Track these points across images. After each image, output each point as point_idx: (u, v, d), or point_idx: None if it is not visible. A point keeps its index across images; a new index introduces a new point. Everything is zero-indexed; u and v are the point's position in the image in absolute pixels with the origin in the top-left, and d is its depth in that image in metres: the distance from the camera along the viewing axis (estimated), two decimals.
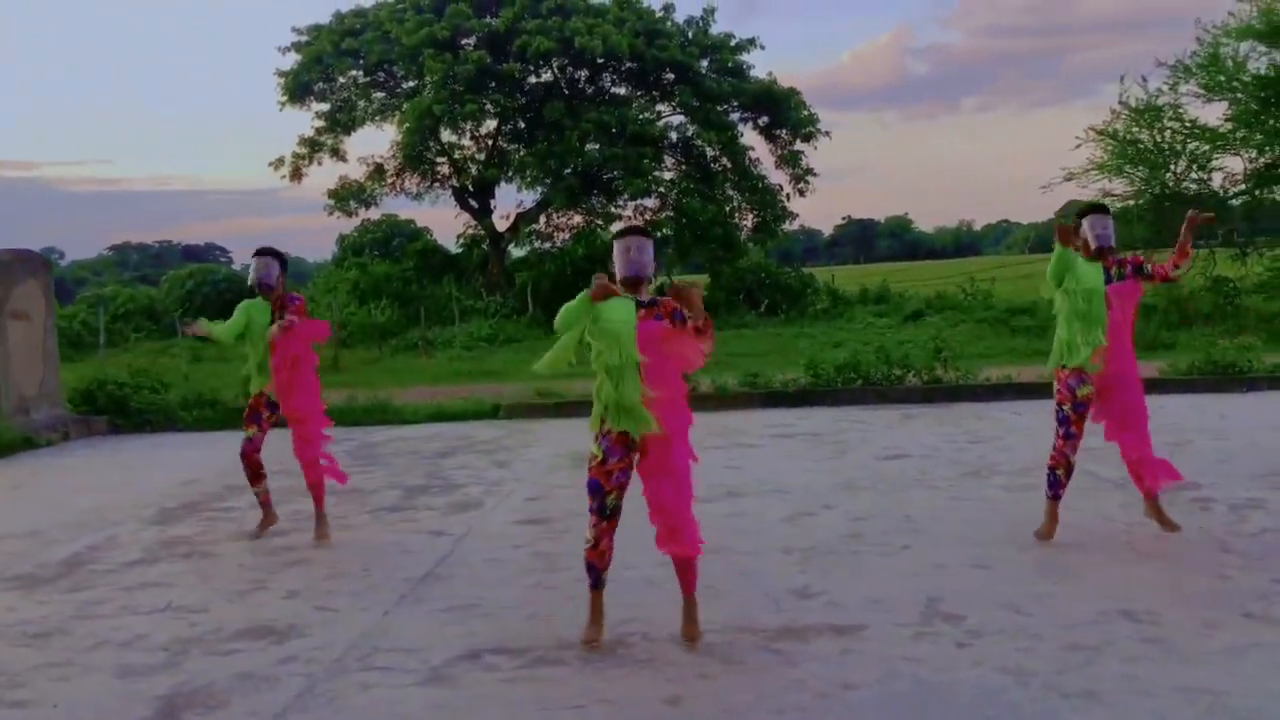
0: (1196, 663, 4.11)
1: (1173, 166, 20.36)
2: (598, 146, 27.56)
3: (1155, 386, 11.89)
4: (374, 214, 31.91)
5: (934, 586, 5.26)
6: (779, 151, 29.58)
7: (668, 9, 29.14)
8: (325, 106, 30.01)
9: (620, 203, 29.68)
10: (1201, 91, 19.72)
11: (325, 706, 4.11)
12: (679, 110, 29.25)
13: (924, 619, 4.80)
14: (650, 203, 29.71)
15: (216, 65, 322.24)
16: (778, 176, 29.93)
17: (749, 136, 29.77)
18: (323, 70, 29.16)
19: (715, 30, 29.23)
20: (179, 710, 4.13)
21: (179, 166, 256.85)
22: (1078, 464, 6.43)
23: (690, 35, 28.82)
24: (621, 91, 29.56)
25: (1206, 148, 20.10)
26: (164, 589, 5.84)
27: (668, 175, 29.60)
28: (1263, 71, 19.20)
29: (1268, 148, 19.73)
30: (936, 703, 3.87)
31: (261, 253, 6.82)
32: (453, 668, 4.44)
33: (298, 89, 29.36)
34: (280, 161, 30.02)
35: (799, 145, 29.43)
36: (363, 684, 4.32)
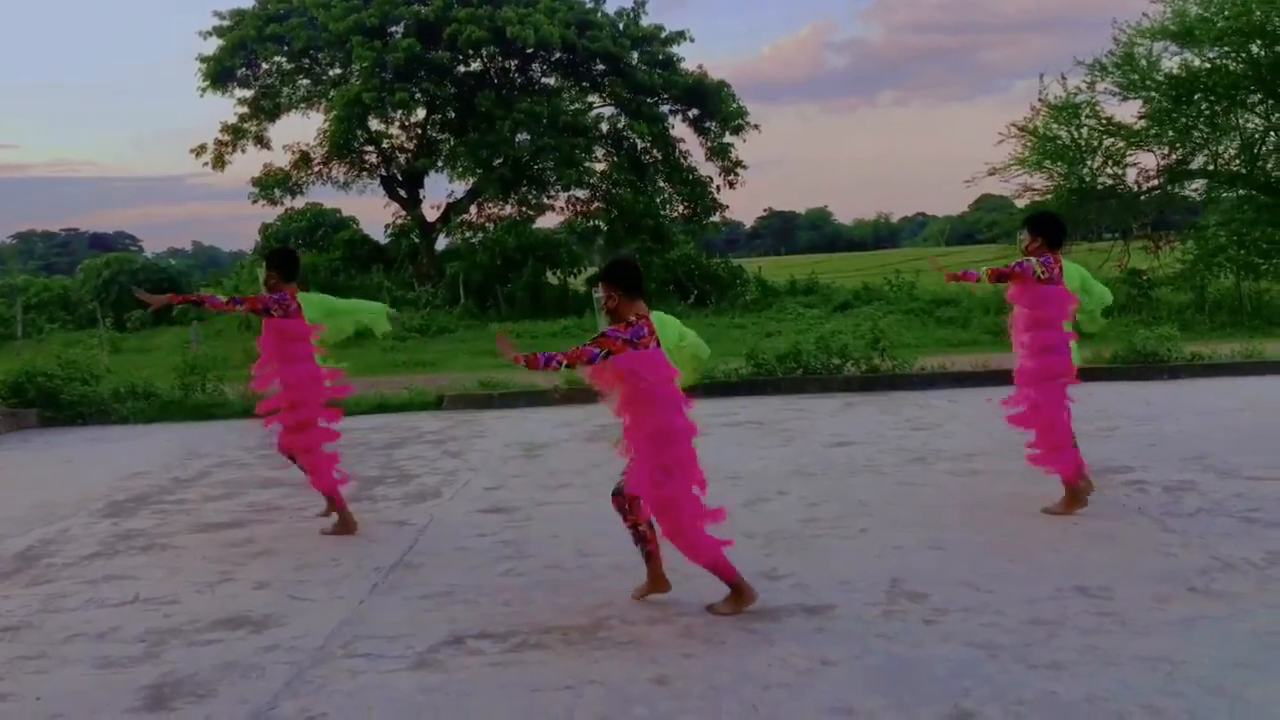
0: (1152, 634, 4.36)
1: (1089, 162, 20.98)
2: (529, 137, 27.49)
3: (1082, 375, 12.36)
4: (298, 203, 31.44)
5: (895, 567, 5.47)
6: (709, 144, 29.83)
7: (598, 1, 29.17)
8: (248, 93, 29.46)
9: (552, 193, 29.72)
10: (1117, 90, 20.34)
11: (316, 693, 4.15)
12: (610, 101, 29.33)
13: (890, 598, 5.00)
14: (582, 194, 29.78)
15: (126, 48, 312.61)
16: (707, 168, 30.22)
17: (679, 128, 30.03)
18: (246, 56, 28.61)
19: (645, 22, 29.35)
20: (168, 699, 4.14)
21: (85, 152, 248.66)
22: (1019, 451, 6.80)
23: (621, 27, 28.89)
24: (552, 82, 29.53)
25: (1121, 144, 20.74)
26: (129, 581, 5.79)
27: (599, 166, 29.66)
28: (1175, 71, 19.90)
29: (1179, 145, 20.46)
30: (914, 676, 4.06)
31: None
32: (438, 653, 4.51)
33: (220, 74, 28.77)
34: (202, 148, 29.41)
35: (728, 138, 29.73)
36: (350, 670, 4.37)
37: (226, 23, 28.95)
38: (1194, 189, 21.48)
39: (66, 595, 5.58)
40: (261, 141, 29.64)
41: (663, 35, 29.30)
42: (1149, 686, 3.85)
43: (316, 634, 4.80)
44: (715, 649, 4.43)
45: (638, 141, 29.21)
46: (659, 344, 4.87)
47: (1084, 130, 20.73)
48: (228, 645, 4.71)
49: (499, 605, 5.13)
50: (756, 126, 29.71)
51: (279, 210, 30.99)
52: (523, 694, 4.06)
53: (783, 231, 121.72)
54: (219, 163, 29.42)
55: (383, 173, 29.84)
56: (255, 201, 29.27)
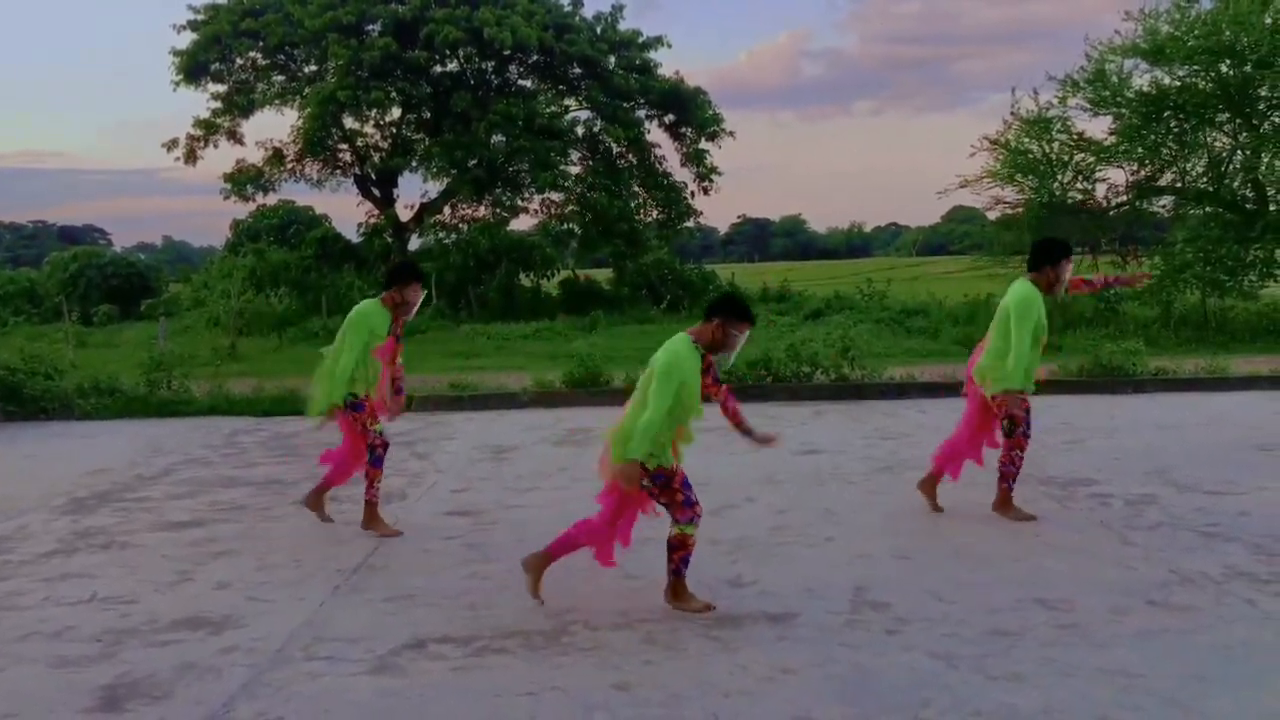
0: (1110, 646, 4.40)
1: (1060, 176, 21.16)
2: (504, 139, 27.38)
3: (1048, 388, 12.46)
4: (270, 200, 31.19)
5: (860, 576, 5.49)
6: (684, 149, 29.84)
7: (576, 4, 29.13)
8: (222, 88, 29.16)
9: (526, 195, 29.62)
10: (1088, 105, 20.54)
11: (273, 696, 4.11)
12: (586, 105, 29.27)
13: (853, 607, 5.01)
14: (556, 196, 29.69)
15: (95, 39, 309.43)
16: (682, 174, 30.22)
17: (655, 133, 29.99)
18: (220, 50, 28.33)
19: (623, 27, 29.34)
20: (122, 700, 4.09)
21: (55, 143, 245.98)
22: (986, 463, 6.87)
23: (599, 31, 28.84)
24: (529, 84, 29.41)
25: (1091, 159, 20.94)
26: (87, 580, 5.72)
27: (574, 170, 29.59)
28: (1145, 88, 20.13)
29: (1148, 161, 20.69)
30: (874, 685, 4.07)
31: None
32: (399, 657, 4.48)
33: (193, 69, 28.47)
34: (174, 143, 29.10)
35: (704, 144, 29.73)
36: (309, 673, 4.33)
37: (201, 17, 28.68)
38: (1162, 205, 21.73)
39: (23, 593, 5.50)
40: (234, 137, 29.36)
41: (640, 40, 29.27)
42: (1106, 699, 3.88)
43: (276, 636, 4.75)
44: (677, 656, 4.43)
45: (613, 146, 29.16)
46: None
47: (1055, 145, 20.93)
48: (186, 646, 4.66)
49: (462, 609, 5.10)
50: (732, 133, 29.76)
51: (251, 206, 30.76)
52: (483, 699, 4.04)
53: (757, 238, 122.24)
54: (191, 158, 29.10)
55: (356, 171, 29.65)
56: (227, 197, 28.97)
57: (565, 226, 30.29)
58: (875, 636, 4.60)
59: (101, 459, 9.45)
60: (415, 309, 6.79)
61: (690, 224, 31.22)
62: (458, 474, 8.48)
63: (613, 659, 4.41)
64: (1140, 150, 20.28)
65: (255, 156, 29.46)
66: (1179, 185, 20.78)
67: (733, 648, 4.51)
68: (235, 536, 6.64)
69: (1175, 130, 20.10)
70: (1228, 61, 19.01)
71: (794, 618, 4.86)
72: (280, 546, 6.36)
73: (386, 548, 6.28)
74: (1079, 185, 21.30)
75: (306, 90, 27.99)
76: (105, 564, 6.05)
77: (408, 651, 4.54)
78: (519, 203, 29.99)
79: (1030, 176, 21.09)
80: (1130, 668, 4.15)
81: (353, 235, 31.20)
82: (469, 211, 30.06)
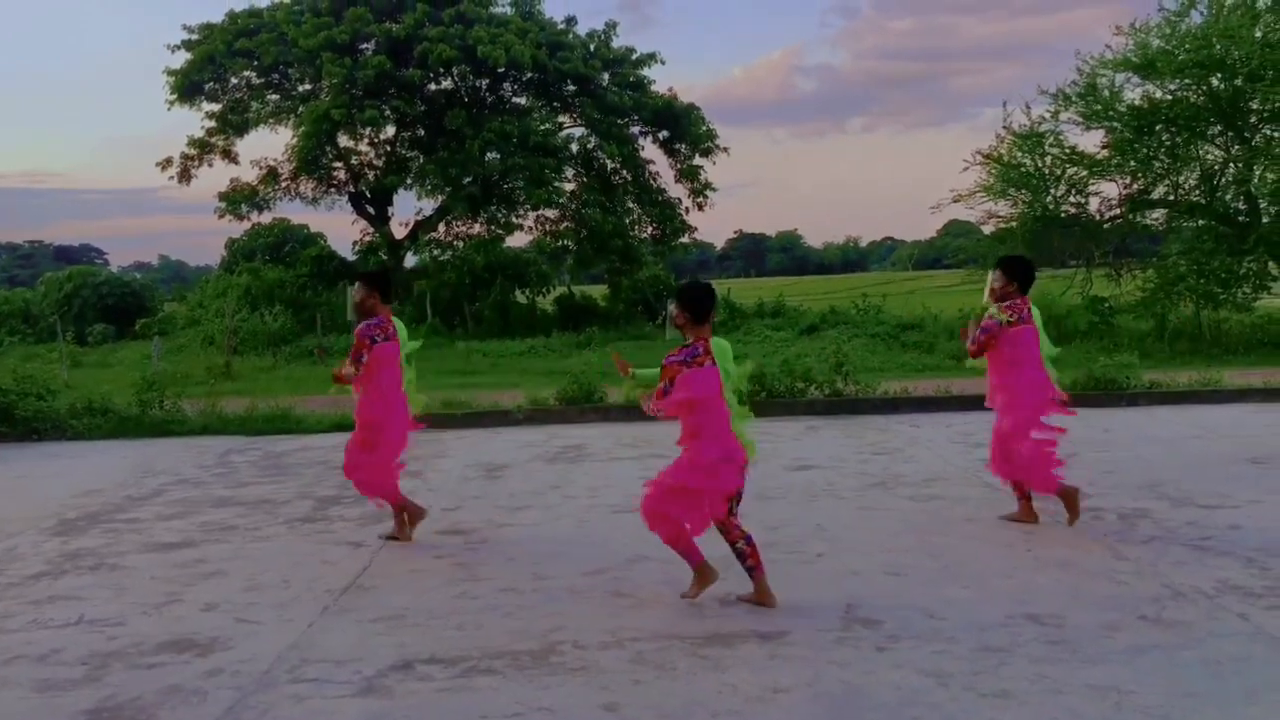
0: (1101, 663, 4.37)
1: (1053, 190, 21.21)
2: (498, 156, 27.46)
3: None
4: (265, 218, 31.22)
5: (850, 593, 5.46)
6: (678, 165, 29.92)
7: (570, 21, 29.29)
8: (216, 107, 29.27)
9: (521, 212, 29.65)
10: (1080, 119, 20.62)
11: (258, 719, 4.08)
12: (580, 122, 29.36)
13: (844, 624, 4.98)
14: (551, 213, 29.74)
15: (91, 59, 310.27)
16: (677, 190, 30.30)
17: (649, 150, 30.09)
18: (214, 70, 28.43)
19: (616, 44, 29.46)
20: None
21: (54, 163, 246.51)
22: (979, 477, 6.83)
23: (592, 48, 28.96)
24: (523, 102, 29.51)
25: (1084, 173, 20.99)
26: (74, 602, 5.68)
27: (569, 186, 29.64)
28: (1137, 102, 20.20)
29: (1140, 174, 20.74)
30: (863, 704, 4.04)
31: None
32: (386, 678, 4.45)
33: (187, 88, 28.58)
34: (168, 162, 29.16)
35: (698, 160, 29.82)
36: (295, 696, 4.29)
37: (195, 36, 28.79)
38: (1155, 218, 21.76)
39: (9, 616, 5.47)
40: (229, 156, 29.46)
41: (633, 57, 29.40)
42: (1096, 715, 3.86)
43: (263, 658, 4.72)
44: (666, 675, 4.40)
45: (607, 162, 29.24)
46: (714, 362, 5.19)
47: (1048, 159, 20.98)
48: (171, 669, 4.63)
49: (451, 629, 5.07)
50: (726, 149, 29.86)
51: (246, 225, 30.81)
52: None
53: (752, 254, 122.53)
54: (185, 177, 29.20)
55: (351, 189, 29.71)
56: (222, 216, 29.04)
57: (560, 243, 30.34)
58: (865, 654, 4.58)
59: (92, 480, 9.41)
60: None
61: (685, 240, 31.28)
62: (450, 492, 8.45)
63: (601, 678, 4.38)
64: (1132, 164, 20.34)
65: (250, 175, 29.59)
66: (1171, 198, 20.83)
67: (722, 666, 4.48)
68: (225, 557, 6.60)
69: (1167, 144, 20.16)
70: (1219, 75, 19.09)
71: (784, 635, 4.83)
72: (270, 567, 6.32)
73: (376, 567, 6.25)
74: (1072, 199, 21.35)
75: (301, 109, 28.08)
76: (93, 586, 6.02)
77: (395, 673, 4.50)
78: (514, 220, 30.04)
79: (1023, 190, 21.14)
80: (1121, 684, 4.12)
81: (348, 253, 31.23)
82: (464, 229, 30.11)
